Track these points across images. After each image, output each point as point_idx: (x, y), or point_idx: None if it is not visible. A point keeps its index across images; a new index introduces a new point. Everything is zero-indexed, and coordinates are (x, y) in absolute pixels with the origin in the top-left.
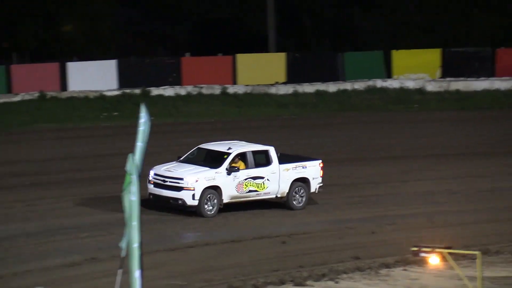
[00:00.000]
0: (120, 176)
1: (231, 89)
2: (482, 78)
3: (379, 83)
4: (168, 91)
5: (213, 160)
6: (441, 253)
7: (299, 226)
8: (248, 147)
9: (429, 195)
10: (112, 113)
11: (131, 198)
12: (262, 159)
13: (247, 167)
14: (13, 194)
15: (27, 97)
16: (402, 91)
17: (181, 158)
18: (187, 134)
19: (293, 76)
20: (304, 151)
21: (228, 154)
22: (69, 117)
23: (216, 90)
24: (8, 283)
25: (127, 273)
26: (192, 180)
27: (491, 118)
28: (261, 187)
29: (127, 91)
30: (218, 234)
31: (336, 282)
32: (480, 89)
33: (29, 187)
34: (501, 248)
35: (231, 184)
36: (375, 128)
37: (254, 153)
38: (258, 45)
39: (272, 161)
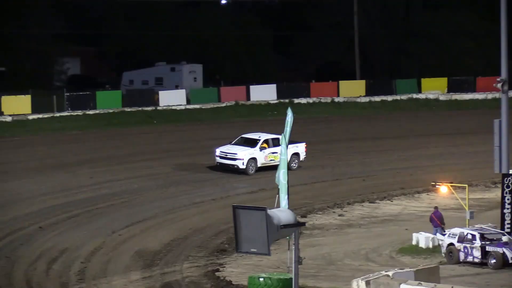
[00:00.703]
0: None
1: (336, 100)
2: (469, 93)
3: (414, 95)
4: (303, 100)
5: (251, 143)
6: (447, 185)
7: (371, 171)
8: (269, 136)
9: (440, 156)
10: (273, 112)
11: (282, 157)
12: (276, 142)
13: (268, 146)
14: None
15: (228, 104)
16: (427, 99)
17: (232, 142)
18: (315, 123)
19: (368, 92)
20: (370, 131)
21: (259, 140)
22: (251, 114)
23: (328, 100)
24: None
25: (278, 196)
26: (242, 154)
27: (473, 114)
28: (276, 157)
29: (281, 100)
30: (326, 176)
31: (391, 201)
32: (468, 99)
33: None
34: (479, 183)
35: (261, 156)
36: (414, 118)
37: (272, 139)
38: (350, 75)
39: (283, 143)
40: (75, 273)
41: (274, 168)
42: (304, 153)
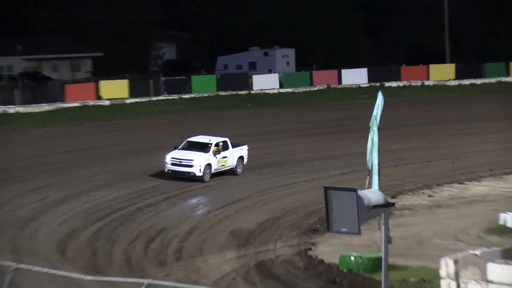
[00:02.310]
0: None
1: (426, 83)
2: None
3: (504, 78)
4: (393, 84)
5: (201, 147)
6: None
7: (461, 153)
8: (218, 139)
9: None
10: (364, 95)
11: (374, 139)
12: (225, 146)
13: (219, 150)
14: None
15: (320, 87)
16: None
17: (178, 147)
18: (406, 106)
19: (458, 75)
20: (459, 114)
21: (210, 144)
22: (343, 98)
23: (418, 83)
24: None
25: (369, 177)
26: (199, 161)
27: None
28: (226, 162)
29: (372, 84)
30: (416, 158)
31: (480, 182)
32: None
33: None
34: None
35: (215, 162)
36: (504, 101)
37: (221, 142)
38: (440, 58)
39: (230, 147)
40: (173, 251)
41: (225, 173)
42: (247, 157)
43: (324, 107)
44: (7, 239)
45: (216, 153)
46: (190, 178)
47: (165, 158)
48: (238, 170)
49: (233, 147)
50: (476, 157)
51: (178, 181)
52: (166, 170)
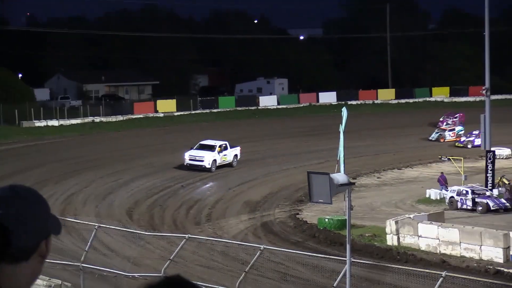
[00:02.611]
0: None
1: (375, 101)
2: (464, 97)
3: (428, 98)
4: (354, 102)
5: (209, 148)
6: (450, 157)
7: (399, 149)
8: (220, 142)
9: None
10: (334, 110)
11: (341, 139)
12: (224, 147)
13: (221, 150)
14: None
15: (305, 104)
16: (436, 101)
17: (194, 148)
18: (361, 117)
19: (397, 96)
20: (398, 122)
21: (215, 146)
22: (320, 111)
23: (370, 102)
24: None
25: (337, 165)
26: (208, 157)
27: (467, 111)
28: (226, 158)
29: (340, 102)
30: (369, 152)
31: (412, 168)
32: (463, 101)
33: None
34: (471, 156)
35: (219, 158)
36: (427, 114)
37: (223, 144)
38: (385, 85)
39: (228, 148)
40: (205, 215)
41: (226, 166)
42: (239, 154)
43: (307, 118)
44: (93, 206)
45: (219, 152)
46: (202, 169)
47: (184, 155)
48: (234, 163)
49: (230, 148)
50: (409, 151)
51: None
52: (185, 164)
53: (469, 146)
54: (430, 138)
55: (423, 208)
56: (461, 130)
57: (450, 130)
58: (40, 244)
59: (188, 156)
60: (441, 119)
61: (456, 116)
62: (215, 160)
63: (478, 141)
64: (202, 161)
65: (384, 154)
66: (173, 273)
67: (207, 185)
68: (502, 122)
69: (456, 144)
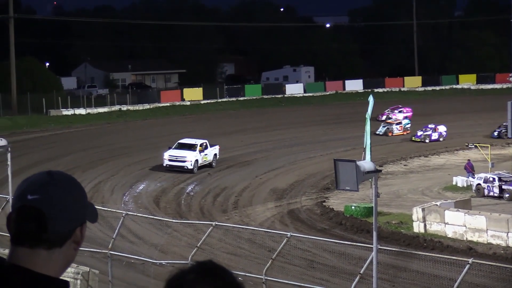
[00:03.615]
0: None
1: (402, 89)
2: (490, 84)
3: (454, 86)
4: (380, 90)
5: (188, 147)
6: (477, 145)
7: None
8: (200, 140)
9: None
10: (360, 98)
11: (367, 127)
12: (206, 146)
13: (203, 149)
14: None
15: (331, 92)
16: (463, 89)
17: (172, 147)
18: (387, 105)
19: (423, 84)
20: (428, 109)
21: (196, 144)
22: (346, 99)
23: (396, 89)
24: None
25: (364, 153)
26: (191, 157)
27: (492, 98)
28: (206, 158)
29: (366, 90)
30: (395, 140)
31: (439, 155)
32: (490, 88)
33: None
34: (497, 144)
35: (200, 157)
36: (453, 101)
37: (204, 143)
38: (412, 73)
39: (208, 147)
40: (232, 203)
41: (206, 166)
42: (218, 153)
43: (334, 106)
44: (120, 194)
45: (200, 151)
46: (183, 170)
47: (163, 156)
48: (213, 163)
49: (210, 147)
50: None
51: (236, 155)
52: (164, 165)
53: (427, 140)
54: (377, 132)
55: (450, 196)
56: (408, 124)
57: (397, 124)
58: (75, 230)
59: (168, 156)
60: (385, 112)
61: (401, 109)
62: (197, 161)
63: (435, 135)
64: (184, 161)
65: (412, 141)
66: (205, 259)
67: (236, 173)
68: None
69: (413, 138)
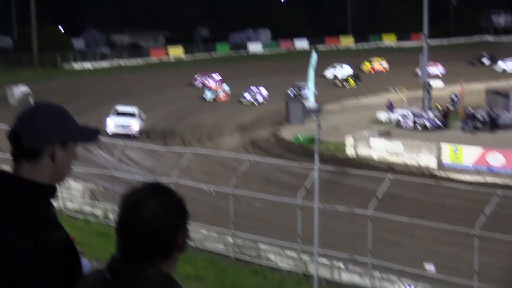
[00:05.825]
0: None
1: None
2: None
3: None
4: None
5: (130, 115)
6: (396, 88)
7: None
8: (134, 108)
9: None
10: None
11: (310, 77)
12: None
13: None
14: None
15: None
16: None
17: (112, 114)
18: None
19: None
20: None
21: (135, 112)
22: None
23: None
24: None
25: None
26: (134, 124)
27: None
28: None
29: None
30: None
31: (367, 97)
32: None
33: None
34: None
35: (139, 123)
36: None
37: (138, 110)
38: None
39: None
40: (206, 135)
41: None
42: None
43: (286, 60)
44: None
45: (139, 118)
46: (129, 136)
47: (106, 122)
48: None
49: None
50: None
51: None
52: (109, 132)
53: (256, 104)
54: (208, 99)
55: (375, 128)
56: (227, 87)
57: (222, 90)
58: (47, 146)
59: (114, 123)
60: (196, 77)
61: (211, 75)
62: (138, 126)
63: (260, 98)
64: (130, 126)
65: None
66: (153, 181)
67: (207, 114)
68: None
69: (241, 99)
